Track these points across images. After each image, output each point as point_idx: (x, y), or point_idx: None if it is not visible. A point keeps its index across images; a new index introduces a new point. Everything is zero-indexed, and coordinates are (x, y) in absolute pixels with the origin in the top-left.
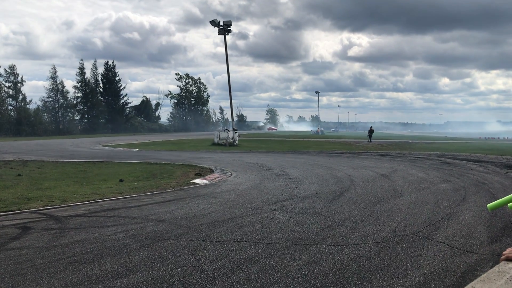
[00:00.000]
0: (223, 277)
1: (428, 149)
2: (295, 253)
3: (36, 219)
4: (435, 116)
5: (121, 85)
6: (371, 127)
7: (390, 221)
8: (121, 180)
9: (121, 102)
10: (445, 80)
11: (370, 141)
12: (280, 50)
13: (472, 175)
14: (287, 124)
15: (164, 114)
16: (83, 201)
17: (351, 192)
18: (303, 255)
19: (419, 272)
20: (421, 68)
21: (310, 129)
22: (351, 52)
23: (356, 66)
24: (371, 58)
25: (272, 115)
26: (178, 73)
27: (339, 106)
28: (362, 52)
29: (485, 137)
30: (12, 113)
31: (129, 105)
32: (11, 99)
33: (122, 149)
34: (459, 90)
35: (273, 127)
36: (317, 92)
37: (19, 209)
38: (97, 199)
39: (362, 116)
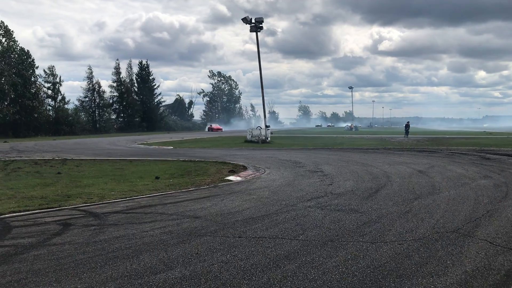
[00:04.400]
0: (259, 274)
1: (466, 144)
2: (331, 250)
3: (76, 216)
4: (473, 111)
5: (155, 84)
6: (408, 122)
7: (428, 218)
8: (157, 178)
9: (155, 101)
10: (482, 73)
11: (407, 136)
12: (309, 46)
13: None
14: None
15: (197, 112)
16: (120, 198)
17: (387, 188)
18: (340, 252)
19: (460, 270)
20: (456, 61)
21: (343, 125)
22: (382, 47)
23: (388, 61)
24: (403, 52)
25: (304, 111)
26: (211, 71)
27: (373, 101)
28: (393, 46)
29: None
30: (51, 113)
31: (163, 103)
32: (50, 99)
33: (157, 147)
34: (497, 83)
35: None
36: (350, 88)
37: (59, 206)
38: (134, 196)
39: (397, 112)
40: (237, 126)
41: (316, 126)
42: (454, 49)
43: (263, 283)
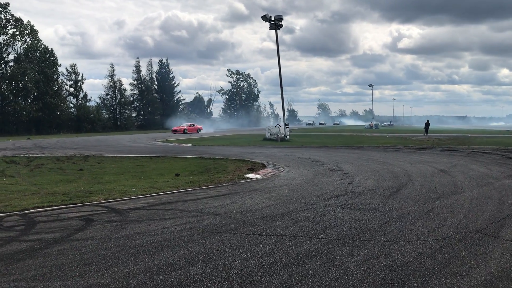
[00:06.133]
0: (280, 272)
1: (489, 143)
2: (352, 249)
3: (98, 212)
4: (496, 109)
5: (174, 82)
6: (428, 120)
7: (451, 218)
8: (177, 175)
9: (175, 99)
10: (505, 71)
11: (427, 134)
12: (328, 44)
13: None
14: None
15: (216, 110)
16: (141, 195)
17: (408, 187)
18: (361, 251)
19: (485, 271)
20: (478, 59)
21: (363, 124)
22: (401, 44)
23: (408, 58)
24: (423, 50)
25: (323, 109)
26: (229, 69)
27: (393, 99)
28: (412, 44)
29: None
30: (72, 110)
31: (183, 101)
32: (72, 97)
33: (176, 144)
34: None
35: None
36: (370, 86)
37: (82, 202)
38: (155, 193)
39: (417, 110)
40: (256, 124)
41: (307, 124)
42: (476, 46)
43: (284, 281)
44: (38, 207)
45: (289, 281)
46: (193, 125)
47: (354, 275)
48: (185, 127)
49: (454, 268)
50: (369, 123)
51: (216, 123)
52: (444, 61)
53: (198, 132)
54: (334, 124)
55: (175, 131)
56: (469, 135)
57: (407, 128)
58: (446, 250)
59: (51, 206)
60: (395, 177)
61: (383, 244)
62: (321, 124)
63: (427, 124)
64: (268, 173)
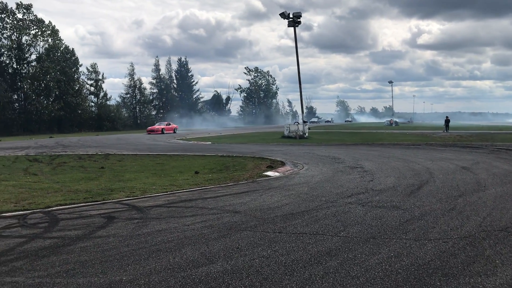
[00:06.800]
0: (301, 269)
1: None
2: (374, 247)
3: (120, 209)
4: None
5: (193, 81)
6: (447, 116)
7: (474, 216)
8: (196, 172)
9: (194, 97)
10: None
11: (447, 131)
12: (346, 40)
13: None
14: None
15: (234, 108)
16: (162, 192)
17: (430, 185)
18: (383, 250)
19: (510, 270)
20: (500, 54)
21: (378, 121)
22: (421, 40)
23: (428, 54)
24: (443, 46)
25: (342, 106)
26: (247, 67)
27: (414, 96)
28: (432, 40)
29: None
30: (93, 109)
31: (201, 99)
32: (93, 96)
33: (195, 142)
34: None
35: None
36: (390, 82)
37: (103, 200)
38: (175, 190)
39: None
40: (275, 121)
41: (310, 122)
42: (498, 41)
43: (305, 279)
44: (60, 205)
45: (310, 279)
46: (170, 124)
47: (376, 273)
48: (163, 127)
49: (479, 267)
50: (389, 120)
51: (234, 121)
52: (465, 56)
53: (175, 132)
54: (345, 121)
55: (151, 131)
56: (492, 131)
57: (427, 125)
58: (469, 249)
59: (74, 203)
60: (416, 175)
61: (404, 242)
62: (328, 121)
63: (447, 121)
64: (287, 171)
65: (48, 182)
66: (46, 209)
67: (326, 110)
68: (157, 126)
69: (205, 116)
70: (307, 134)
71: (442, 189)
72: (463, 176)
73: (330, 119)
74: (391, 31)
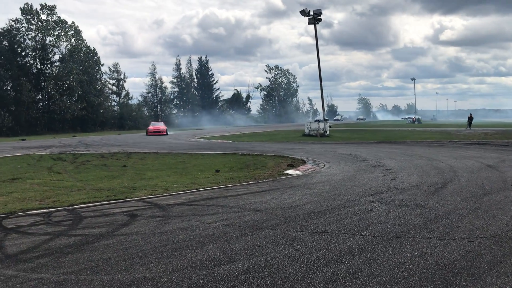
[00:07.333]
0: (323, 268)
1: None
2: (397, 246)
3: (142, 207)
4: None
5: (213, 80)
6: (471, 114)
7: (501, 215)
8: (217, 171)
9: (214, 95)
10: None
11: (470, 128)
12: (367, 37)
13: None
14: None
15: (255, 106)
16: (183, 191)
17: (454, 183)
18: (406, 249)
19: None
20: None
21: (396, 118)
22: (444, 36)
23: (451, 51)
24: (467, 41)
25: (364, 104)
26: (268, 65)
27: (437, 93)
28: (455, 36)
29: None
30: (115, 108)
31: (221, 98)
32: (115, 95)
33: (216, 141)
34: None
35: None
36: (413, 79)
37: (126, 198)
38: (196, 189)
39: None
40: (295, 119)
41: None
42: None
43: (328, 278)
44: (84, 203)
45: (333, 278)
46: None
47: (399, 272)
48: (160, 127)
49: (506, 268)
50: (412, 117)
51: (254, 119)
52: (490, 52)
53: (166, 134)
54: (357, 119)
55: (156, 133)
56: None
57: (451, 123)
58: (496, 249)
59: (97, 201)
60: (440, 173)
61: (428, 241)
62: (336, 119)
63: (470, 118)
64: (308, 169)
65: (72, 181)
66: (70, 207)
67: (347, 108)
68: (162, 127)
69: (225, 114)
70: (328, 132)
71: (467, 187)
72: (488, 174)
73: (339, 117)
74: (413, 27)
